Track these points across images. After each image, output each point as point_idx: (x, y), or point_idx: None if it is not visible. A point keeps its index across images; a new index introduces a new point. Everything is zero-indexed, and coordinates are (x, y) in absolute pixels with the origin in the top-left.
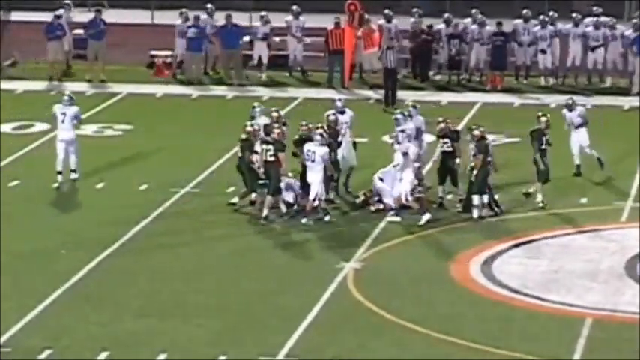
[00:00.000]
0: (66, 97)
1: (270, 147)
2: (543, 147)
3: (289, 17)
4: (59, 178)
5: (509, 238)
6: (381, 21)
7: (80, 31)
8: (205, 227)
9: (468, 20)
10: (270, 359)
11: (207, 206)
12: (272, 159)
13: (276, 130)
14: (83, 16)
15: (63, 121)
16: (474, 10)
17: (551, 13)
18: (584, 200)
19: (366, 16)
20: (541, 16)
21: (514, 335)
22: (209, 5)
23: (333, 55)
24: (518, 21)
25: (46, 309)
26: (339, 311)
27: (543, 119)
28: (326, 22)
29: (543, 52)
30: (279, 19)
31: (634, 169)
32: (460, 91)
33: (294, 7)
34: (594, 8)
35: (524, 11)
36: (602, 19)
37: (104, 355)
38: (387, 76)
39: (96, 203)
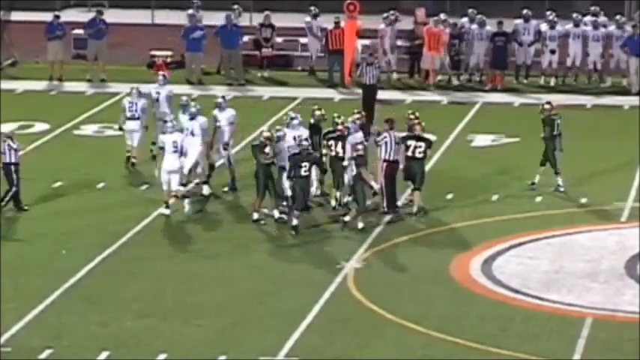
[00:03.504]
0: (160, 78)
1: (422, 144)
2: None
3: (308, 18)
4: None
5: (509, 238)
6: (382, 25)
7: (80, 31)
8: (205, 227)
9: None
10: (270, 359)
11: (207, 206)
12: (421, 155)
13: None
14: (83, 16)
15: (157, 100)
16: (472, 10)
17: (548, 13)
18: (584, 200)
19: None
20: (550, 17)
21: (514, 335)
22: (235, 6)
23: (333, 55)
24: (519, 21)
25: (46, 309)
26: (339, 311)
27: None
28: (326, 22)
29: (553, 52)
30: (279, 19)
31: (634, 169)
32: (460, 90)
33: (312, 8)
34: (592, 8)
35: (525, 11)
36: (602, 18)
37: (104, 355)
38: (365, 93)
39: (96, 203)
